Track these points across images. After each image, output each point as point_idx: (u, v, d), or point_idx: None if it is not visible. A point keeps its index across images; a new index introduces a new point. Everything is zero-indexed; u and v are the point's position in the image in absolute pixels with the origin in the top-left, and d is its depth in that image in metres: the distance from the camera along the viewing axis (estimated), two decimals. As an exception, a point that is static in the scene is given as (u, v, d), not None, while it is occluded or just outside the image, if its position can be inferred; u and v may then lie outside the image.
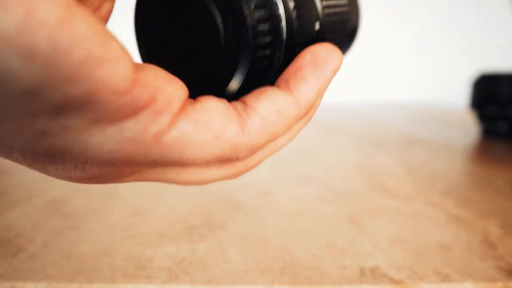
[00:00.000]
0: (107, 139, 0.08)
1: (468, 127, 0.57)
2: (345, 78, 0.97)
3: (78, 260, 0.17)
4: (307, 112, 0.12)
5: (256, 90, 0.12)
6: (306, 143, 0.44)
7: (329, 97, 0.97)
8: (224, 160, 0.11)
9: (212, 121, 0.10)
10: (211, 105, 0.10)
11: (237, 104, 0.11)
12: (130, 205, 0.24)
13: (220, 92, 0.12)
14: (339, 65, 0.12)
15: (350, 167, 0.34)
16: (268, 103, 0.11)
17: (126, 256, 0.18)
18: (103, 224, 0.21)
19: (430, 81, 0.97)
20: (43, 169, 0.10)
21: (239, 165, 0.12)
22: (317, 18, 0.13)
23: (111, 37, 0.08)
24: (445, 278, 0.17)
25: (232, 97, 0.12)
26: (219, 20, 0.11)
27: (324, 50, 0.12)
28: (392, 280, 0.16)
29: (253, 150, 0.11)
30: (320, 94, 0.12)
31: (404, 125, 0.59)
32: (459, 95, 0.96)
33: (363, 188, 0.28)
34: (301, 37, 0.13)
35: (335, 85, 0.97)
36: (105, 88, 0.07)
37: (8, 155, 0.09)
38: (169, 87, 0.09)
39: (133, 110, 0.08)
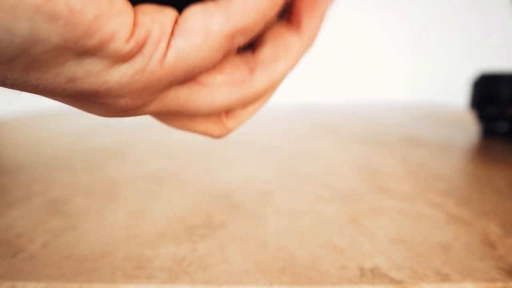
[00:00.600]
0: (123, 75, 0.10)
1: (468, 127, 0.57)
2: (345, 78, 0.97)
3: (78, 260, 0.17)
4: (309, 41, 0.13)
5: None
6: (306, 143, 0.44)
7: (329, 97, 0.97)
8: (227, 56, 0.12)
9: (195, 24, 0.11)
10: (190, 12, 0.11)
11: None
12: (130, 205, 0.24)
13: None
14: None
15: (350, 167, 0.34)
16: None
17: (126, 256, 0.18)
18: (103, 224, 0.21)
19: (430, 81, 0.97)
20: (86, 109, 0.11)
21: (246, 86, 0.13)
22: None
23: None
24: (445, 278, 0.17)
25: None
26: None
27: None
28: (392, 280, 0.16)
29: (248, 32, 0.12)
30: (321, 22, 0.13)
31: (404, 125, 0.59)
32: (459, 95, 0.96)
33: (363, 188, 0.28)
34: None
35: (335, 85, 0.97)
36: (114, 38, 0.09)
37: (56, 99, 0.11)
38: (160, 17, 0.10)
39: (138, 48, 0.10)
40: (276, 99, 1.00)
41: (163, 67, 0.10)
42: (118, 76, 0.10)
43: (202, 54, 0.11)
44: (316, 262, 0.18)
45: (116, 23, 0.09)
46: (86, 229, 0.20)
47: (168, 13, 0.11)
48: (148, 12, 0.10)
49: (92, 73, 0.10)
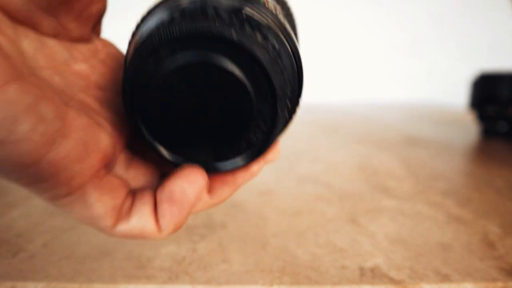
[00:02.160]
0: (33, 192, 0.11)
1: (468, 127, 0.57)
2: (345, 78, 0.97)
3: (78, 260, 0.17)
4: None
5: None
6: (306, 143, 0.44)
7: (329, 97, 0.97)
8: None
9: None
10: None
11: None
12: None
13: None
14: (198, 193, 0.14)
15: (350, 167, 0.34)
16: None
17: (126, 256, 0.18)
18: (103, 224, 0.21)
19: (430, 81, 0.97)
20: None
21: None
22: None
23: (23, 119, 0.10)
24: (445, 278, 0.17)
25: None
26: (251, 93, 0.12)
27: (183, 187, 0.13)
28: (392, 280, 0.16)
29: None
30: (233, 193, 0.15)
31: (404, 125, 0.59)
32: (459, 95, 0.96)
33: (363, 188, 0.28)
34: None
35: (335, 85, 0.97)
36: (6, 162, 0.10)
37: None
38: (75, 166, 0.11)
39: (34, 180, 0.11)
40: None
41: (55, 203, 0.12)
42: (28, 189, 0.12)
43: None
44: (316, 262, 0.18)
45: (9, 151, 0.10)
46: (86, 229, 0.20)
47: (91, 161, 0.12)
48: (76, 149, 0.11)
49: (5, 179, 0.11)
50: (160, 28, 0.12)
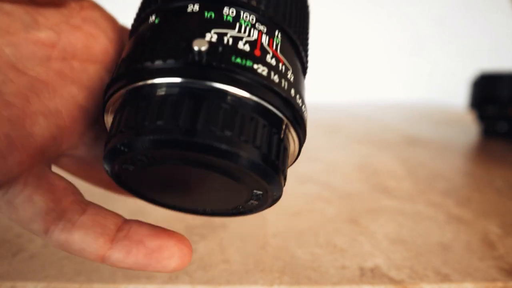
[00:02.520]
0: None
1: (468, 127, 0.57)
2: (345, 78, 0.97)
3: (78, 260, 0.17)
4: None
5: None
6: (306, 143, 0.44)
7: (329, 97, 0.97)
8: None
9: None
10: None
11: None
12: (130, 205, 0.24)
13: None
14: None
15: (350, 167, 0.34)
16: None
17: (126, 256, 0.18)
18: (103, 224, 0.21)
19: (430, 81, 0.97)
20: None
21: None
22: None
23: None
24: (445, 278, 0.17)
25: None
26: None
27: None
28: (392, 280, 0.16)
29: None
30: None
31: (404, 125, 0.59)
32: (459, 95, 0.96)
33: (363, 188, 0.28)
34: None
35: (335, 85, 0.97)
36: None
37: None
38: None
39: None
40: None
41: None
42: None
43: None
44: (316, 262, 0.18)
45: None
46: (86, 229, 0.20)
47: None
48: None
49: None
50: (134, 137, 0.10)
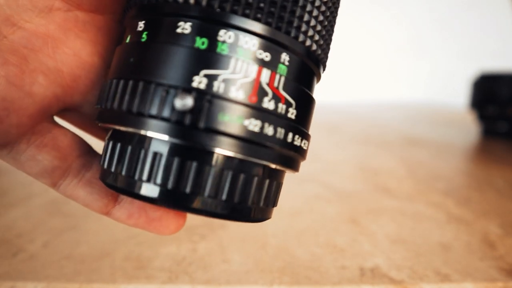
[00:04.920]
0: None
1: (468, 127, 0.57)
2: (345, 78, 0.97)
3: (78, 260, 0.17)
4: None
5: None
6: (306, 143, 0.44)
7: (329, 97, 0.97)
8: None
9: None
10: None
11: None
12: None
13: None
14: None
15: (350, 167, 0.34)
16: None
17: (126, 256, 0.18)
18: (103, 224, 0.21)
19: (430, 81, 0.97)
20: None
21: None
22: None
23: None
24: (445, 278, 0.17)
25: None
26: None
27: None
28: (392, 280, 0.16)
29: None
30: None
31: (404, 125, 0.59)
32: (459, 95, 0.96)
33: (363, 188, 0.28)
34: None
35: (335, 85, 0.97)
36: None
37: None
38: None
39: None
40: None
41: None
42: None
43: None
44: (316, 262, 0.18)
45: None
46: (86, 229, 0.20)
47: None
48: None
49: None
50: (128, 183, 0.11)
